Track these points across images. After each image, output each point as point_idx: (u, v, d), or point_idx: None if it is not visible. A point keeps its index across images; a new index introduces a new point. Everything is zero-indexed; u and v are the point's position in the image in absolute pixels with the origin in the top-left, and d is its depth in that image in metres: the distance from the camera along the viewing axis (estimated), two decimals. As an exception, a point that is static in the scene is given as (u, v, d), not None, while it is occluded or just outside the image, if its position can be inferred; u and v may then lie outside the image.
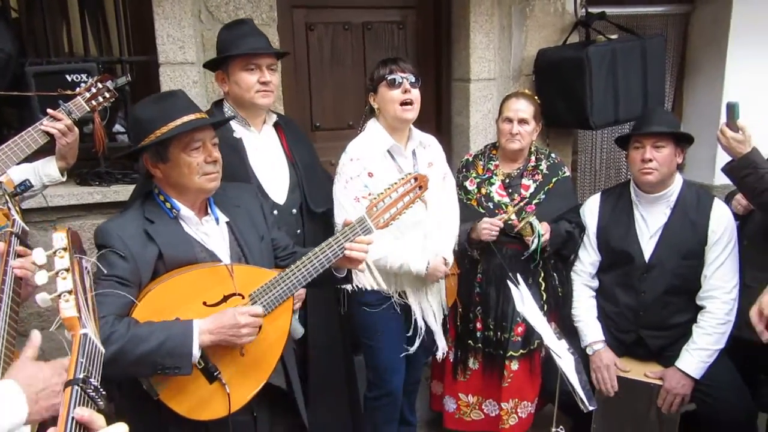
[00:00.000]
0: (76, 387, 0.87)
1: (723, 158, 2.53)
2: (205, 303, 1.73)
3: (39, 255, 1.09)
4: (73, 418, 0.84)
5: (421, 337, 2.58)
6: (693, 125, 3.80)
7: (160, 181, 1.80)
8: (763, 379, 2.69)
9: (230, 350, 1.73)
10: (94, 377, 0.92)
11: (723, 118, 2.49)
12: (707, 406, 2.59)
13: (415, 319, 2.58)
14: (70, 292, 1.00)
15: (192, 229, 1.81)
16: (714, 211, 2.60)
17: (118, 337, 1.55)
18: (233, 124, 2.30)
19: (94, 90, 2.13)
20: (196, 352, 1.61)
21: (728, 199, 2.83)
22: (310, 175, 2.47)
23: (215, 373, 1.71)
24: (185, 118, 1.73)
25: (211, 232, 1.85)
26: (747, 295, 2.56)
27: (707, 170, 3.70)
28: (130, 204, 2.09)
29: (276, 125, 2.46)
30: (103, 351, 1.01)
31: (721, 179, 3.37)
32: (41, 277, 1.07)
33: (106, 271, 1.64)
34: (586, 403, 1.93)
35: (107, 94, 2.16)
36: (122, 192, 2.82)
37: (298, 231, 2.41)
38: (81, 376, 0.90)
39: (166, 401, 1.68)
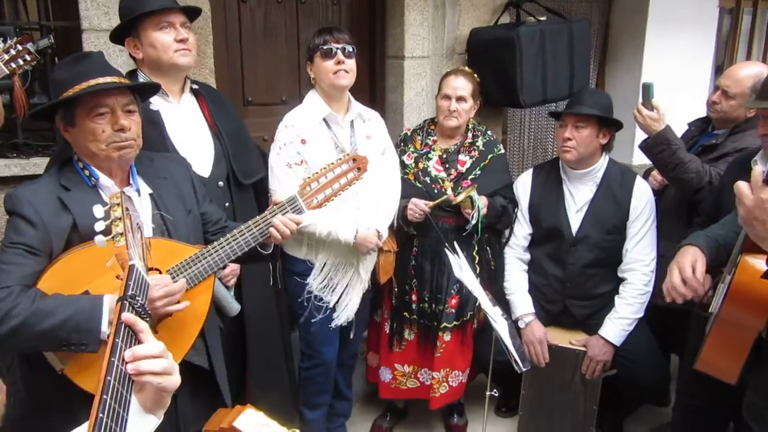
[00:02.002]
0: (125, 302, 1.05)
1: (641, 139, 2.67)
2: (118, 276, 1.65)
3: (98, 210, 1.28)
4: (122, 322, 1.01)
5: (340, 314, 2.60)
6: (614, 107, 3.99)
7: (76, 147, 1.71)
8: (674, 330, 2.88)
9: None
10: (141, 298, 1.10)
11: (641, 100, 2.63)
12: (627, 370, 2.75)
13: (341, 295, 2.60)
14: (121, 235, 1.22)
15: None
16: (636, 188, 2.74)
17: (21, 310, 1.47)
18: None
19: (13, 51, 1.98)
20: (105, 329, 1.52)
21: (645, 176, 2.99)
22: (236, 146, 2.38)
23: None
24: (92, 81, 1.63)
25: (132, 203, 1.77)
26: (661, 265, 2.74)
27: (626, 151, 3.89)
28: (46, 170, 1.97)
29: (196, 94, 2.35)
30: (149, 284, 1.18)
31: (639, 159, 3.56)
32: (99, 226, 1.27)
33: (13, 238, 1.56)
34: (521, 364, 2.02)
35: (28, 57, 2.01)
36: (42, 164, 2.64)
37: (227, 204, 2.33)
38: (130, 293, 1.07)
39: (71, 377, 1.58)
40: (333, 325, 2.61)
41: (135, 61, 2.24)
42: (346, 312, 2.61)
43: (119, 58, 2.69)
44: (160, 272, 1.69)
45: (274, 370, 2.65)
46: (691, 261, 1.75)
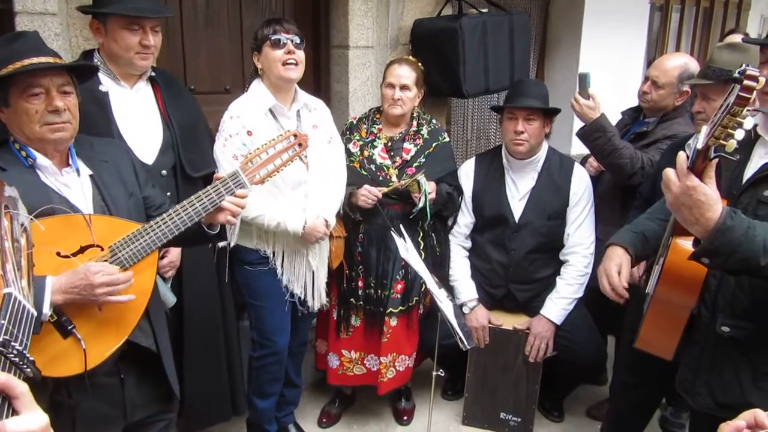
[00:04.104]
0: None
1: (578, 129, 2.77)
2: (59, 253, 1.60)
3: None
4: None
5: (292, 300, 2.61)
6: (552, 99, 4.12)
7: (10, 128, 1.67)
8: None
9: (87, 304, 1.61)
10: (20, 342, 0.81)
11: (578, 89, 2.73)
12: (567, 350, 2.86)
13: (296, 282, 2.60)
14: None
15: (50, 179, 1.69)
16: (575, 174, 2.85)
17: None
18: (101, 76, 2.16)
19: None
20: (47, 311, 1.50)
21: (582, 163, 3.11)
22: (187, 137, 2.35)
23: (69, 327, 1.59)
24: (26, 61, 1.59)
25: (72, 183, 1.73)
26: (598, 248, 2.86)
27: (564, 140, 4.02)
28: None
29: (152, 81, 2.32)
30: (35, 314, 0.89)
31: (576, 149, 3.69)
32: None
33: None
34: (465, 343, 2.07)
35: None
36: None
37: (169, 194, 2.29)
38: (0, 339, 0.78)
39: None
40: (315, 309, 2.67)
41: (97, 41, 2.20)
42: (317, 298, 2.65)
43: (54, 42, 2.60)
44: (102, 249, 1.66)
45: (211, 367, 2.60)
46: (616, 265, 1.84)
